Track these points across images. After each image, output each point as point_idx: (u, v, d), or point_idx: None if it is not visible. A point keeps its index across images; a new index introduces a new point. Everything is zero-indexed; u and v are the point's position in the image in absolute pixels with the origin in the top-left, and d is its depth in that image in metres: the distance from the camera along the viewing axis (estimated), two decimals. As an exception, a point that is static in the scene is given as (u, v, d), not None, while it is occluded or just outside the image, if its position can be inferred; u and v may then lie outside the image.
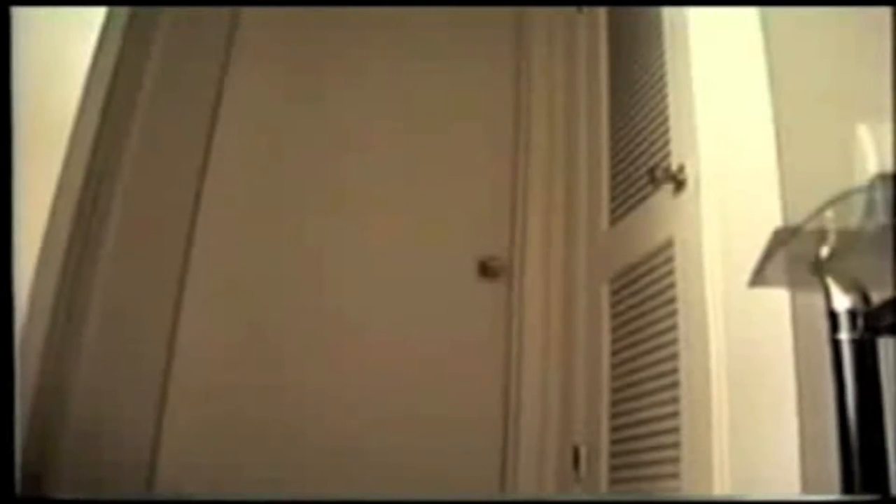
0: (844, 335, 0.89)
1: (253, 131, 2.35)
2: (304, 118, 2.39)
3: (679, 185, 1.55)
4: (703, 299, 1.37)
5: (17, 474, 1.10)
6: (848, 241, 0.92)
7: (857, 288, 0.90)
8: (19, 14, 1.27)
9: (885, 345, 0.92)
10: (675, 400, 1.47)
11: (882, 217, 0.91)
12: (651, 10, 1.81)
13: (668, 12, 1.71)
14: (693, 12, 1.55)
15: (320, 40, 2.47)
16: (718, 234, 1.37)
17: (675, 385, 1.48)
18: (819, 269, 0.94)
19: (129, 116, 2.10)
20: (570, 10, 2.44)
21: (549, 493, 2.07)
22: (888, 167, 1.29)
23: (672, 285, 1.54)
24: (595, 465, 1.82)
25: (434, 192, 2.37)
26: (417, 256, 2.29)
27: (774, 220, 1.31)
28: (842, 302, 0.90)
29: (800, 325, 1.27)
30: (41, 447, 1.68)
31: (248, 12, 2.44)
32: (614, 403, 1.77)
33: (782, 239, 0.97)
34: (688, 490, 1.38)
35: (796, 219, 1.06)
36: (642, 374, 1.64)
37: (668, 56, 1.68)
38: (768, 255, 0.98)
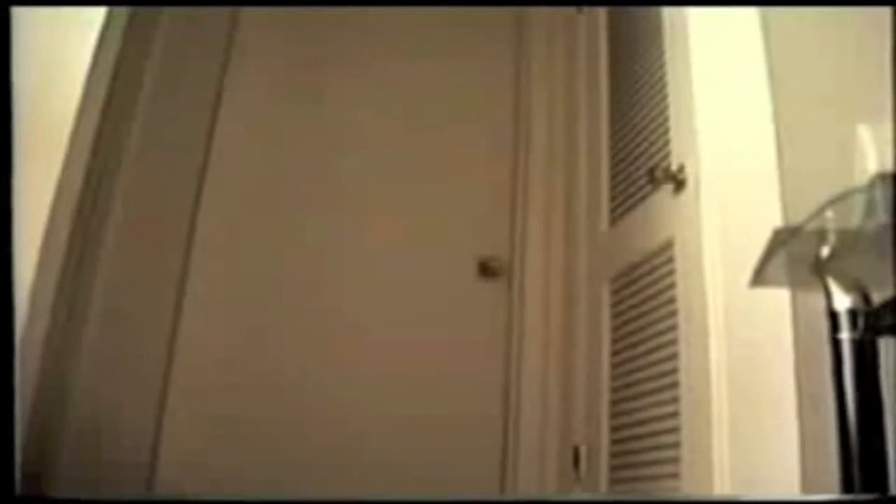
0: (845, 335, 0.89)
1: (253, 131, 2.35)
2: (304, 118, 2.39)
3: (679, 185, 1.55)
4: (703, 299, 1.37)
5: (17, 474, 1.10)
6: (848, 241, 0.92)
7: (857, 288, 0.90)
8: (19, 14, 1.27)
9: (885, 345, 0.92)
10: (675, 400, 1.47)
11: (882, 217, 0.91)
12: (651, 10, 1.81)
13: (668, 12, 1.71)
14: (693, 12, 1.55)
15: (320, 40, 2.47)
16: (718, 234, 1.36)
17: (675, 385, 1.48)
18: (819, 269, 0.94)
19: (129, 116, 2.11)
20: (570, 10, 2.44)
21: (549, 493, 2.07)
22: (888, 167, 1.29)
23: (672, 285, 1.54)
24: (595, 465, 1.82)
25: (434, 192, 2.37)
26: (417, 256, 2.30)
27: (774, 220, 1.31)
28: (842, 302, 0.90)
29: (800, 325, 1.27)
30: (41, 447, 1.68)
31: (248, 12, 2.44)
32: (614, 403, 1.77)
33: (782, 239, 0.97)
34: (688, 490, 1.38)
35: (796, 219, 1.07)
36: (642, 374, 1.64)
37: (668, 56, 1.68)
38: (768, 255, 0.98)
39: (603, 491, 1.75)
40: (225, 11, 2.41)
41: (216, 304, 2.17)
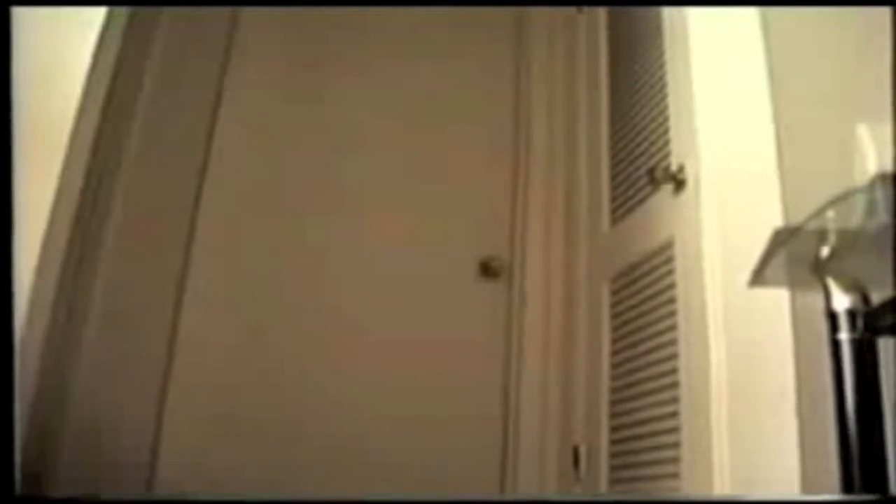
0: (844, 335, 0.89)
1: (253, 131, 2.35)
2: (304, 118, 2.39)
3: (679, 185, 1.55)
4: (702, 299, 1.37)
5: (17, 474, 1.10)
6: (848, 241, 0.92)
7: (856, 288, 0.90)
8: (19, 14, 1.27)
9: (884, 345, 0.92)
10: (675, 400, 1.47)
11: (882, 217, 0.91)
12: (651, 10, 1.81)
13: (668, 12, 1.71)
14: (693, 12, 1.55)
15: (320, 40, 2.47)
16: (718, 234, 1.37)
17: (674, 385, 1.48)
18: (819, 269, 0.94)
19: (129, 116, 2.11)
20: (570, 10, 2.44)
21: (549, 493, 2.07)
22: (888, 167, 1.29)
23: (672, 285, 1.54)
24: (595, 465, 1.82)
25: (434, 192, 2.37)
26: (417, 256, 2.29)
27: (774, 220, 1.31)
28: (842, 302, 0.90)
29: (800, 325, 1.27)
30: (41, 447, 1.68)
31: (248, 12, 2.44)
32: (614, 403, 1.77)
33: (782, 239, 0.97)
34: (688, 490, 1.38)
35: (796, 219, 1.07)
36: (642, 374, 1.64)
37: (668, 56, 1.68)
38: (768, 255, 0.98)
39: (603, 491, 1.75)
40: (225, 11, 2.41)
41: (216, 303, 2.17)
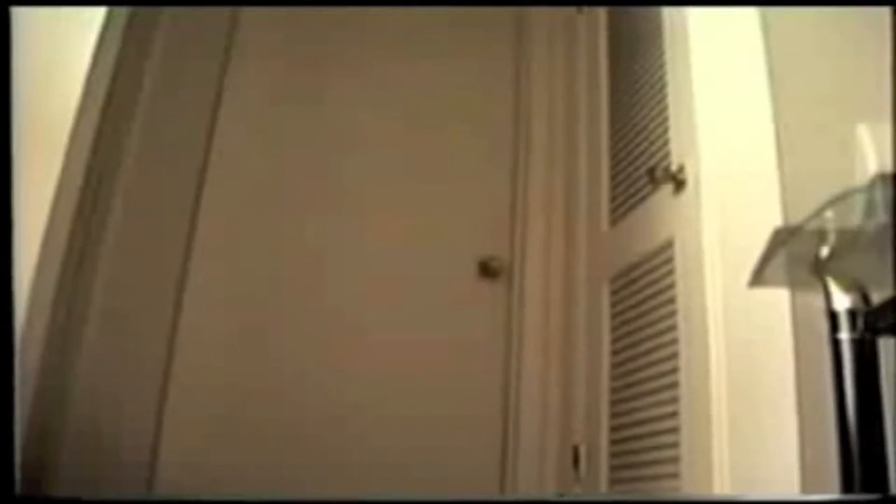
0: (844, 335, 0.89)
1: (253, 131, 2.35)
2: (304, 118, 2.39)
3: (679, 185, 1.55)
4: (702, 299, 1.37)
5: (17, 474, 1.10)
6: (848, 241, 0.92)
7: (856, 288, 0.90)
8: (19, 14, 1.27)
9: (885, 345, 0.92)
10: (675, 400, 1.47)
11: (882, 217, 0.91)
12: (651, 10, 1.81)
13: (668, 12, 1.71)
14: (693, 12, 1.55)
15: (320, 40, 2.47)
16: (718, 234, 1.37)
17: (674, 385, 1.48)
18: (819, 269, 0.94)
19: (129, 116, 2.10)
20: (570, 10, 2.44)
21: (549, 492, 2.07)
22: (888, 167, 1.29)
23: (672, 285, 1.54)
24: (595, 465, 1.82)
25: (434, 192, 2.37)
26: (417, 256, 2.29)
27: (774, 220, 1.31)
28: (842, 302, 0.90)
29: (800, 325, 1.27)
30: (41, 447, 1.68)
31: (248, 12, 2.44)
32: (614, 403, 1.77)
33: (782, 239, 0.97)
34: (688, 490, 1.38)
35: (796, 219, 1.07)
36: (642, 374, 1.64)
37: (668, 56, 1.68)
38: (768, 255, 0.98)
39: (603, 491, 1.75)
40: (225, 11, 2.41)
41: (216, 303, 2.17)
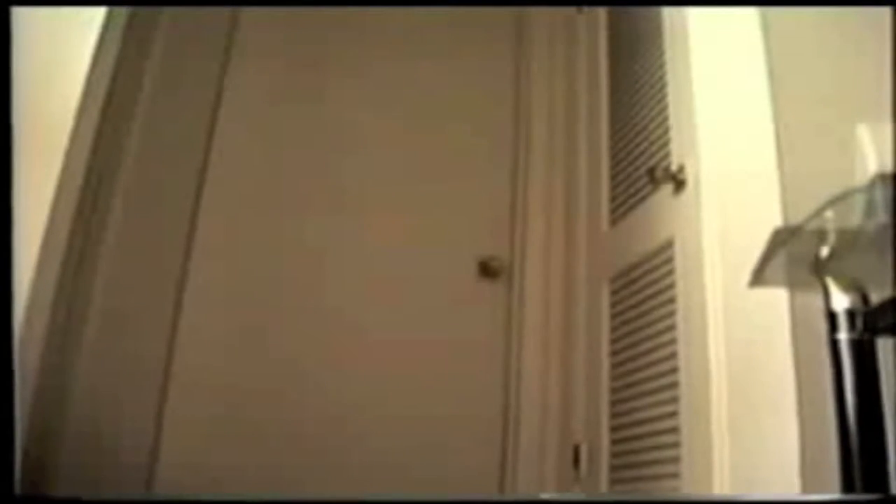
0: (844, 335, 0.89)
1: (253, 131, 2.35)
2: (304, 118, 2.39)
3: (679, 185, 1.55)
4: (702, 299, 1.37)
5: (17, 474, 1.10)
6: (848, 241, 0.92)
7: (856, 288, 0.90)
8: (19, 14, 1.28)
9: (884, 345, 0.92)
10: (675, 400, 1.47)
11: (882, 217, 0.91)
12: (651, 10, 1.81)
13: (668, 12, 1.71)
14: (693, 12, 1.55)
15: (320, 40, 2.47)
16: (718, 234, 1.37)
17: (674, 385, 1.48)
18: (818, 269, 0.94)
19: (129, 116, 2.10)
20: (570, 10, 2.44)
21: (549, 492, 2.07)
22: (888, 167, 1.29)
23: (672, 285, 1.54)
24: (595, 465, 1.82)
25: (434, 192, 2.37)
26: (417, 256, 2.29)
27: (774, 220, 1.31)
28: (841, 302, 0.90)
29: (799, 325, 1.27)
30: (41, 447, 1.68)
31: (248, 12, 2.44)
32: (614, 403, 1.77)
33: (782, 239, 0.97)
34: (688, 490, 1.38)
35: (796, 219, 1.07)
36: (642, 374, 1.64)
37: (668, 56, 1.68)
38: (768, 255, 0.98)
39: (603, 491, 1.75)
40: (225, 11, 2.41)
41: (216, 303, 2.17)
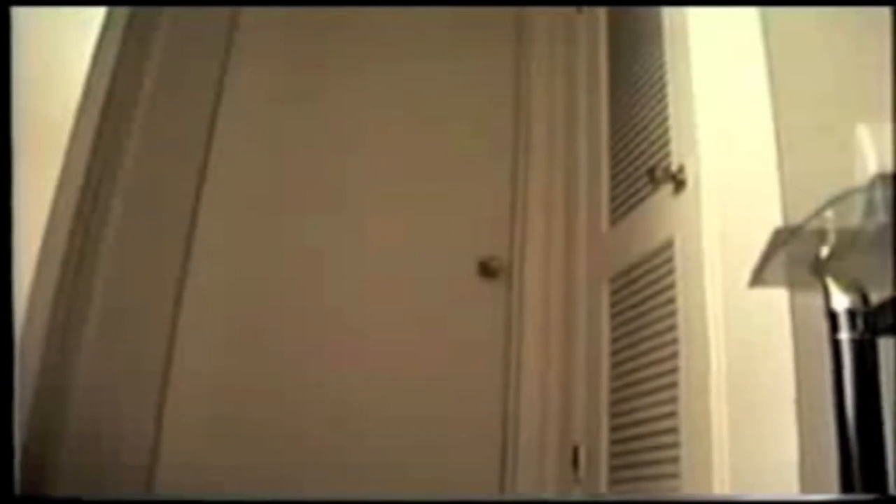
0: (844, 335, 0.89)
1: (253, 131, 2.35)
2: (304, 118, 2.39)
3: (679, 185, 1.55)
4: (702, 299, 1.37)
5: (17, 474, 1.10)
6: (848, 241, 0.92)
7: (856, 288, 0.90)
8: (19, 14, 1.28)
9: (884, 345, 0.92)
10: (675, 400, 1.47)
11: (882, 217, 0.91)
12: (651, 10, 1.81)
13: (668, 12, 1.71)
14: (693, 12, 1.55)
15: (320, 40, 2.47)
16: (718, 234, 1.37)
17: (674, 385, 1.48)
18: (819, 269, 0.94)
19: (129, 116, 2.11)
20: (570, 10, 2.44)
21: (549, 493, 2.07)
22: (888, 167, 1.29)
23: (672, 285, 1.54)
24: (595, 465, 1.82)
25: (434, 192, 2.37)
26: (417, 256, 2.29)
27: (774, 220, 1.31)
28: (841, 302, 0.90)
29: (799, 326, 1.27)
30: (41, 447, 1.68)
31: (248, 12, 2.44)
32: (614, 403, 1.77)
33: (782, 239, 0.97)
34: (688, 490, 1.38)
35: (796, 219, 1.07)
36: (642, 374, 1.64)
37: (668, 56, 1.68)
38: (768, 255, 0.98)
39: (603, 491, 1.75)
40: (225, 11, 2.41)
41: (216, 304, 2.17)
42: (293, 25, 2.44)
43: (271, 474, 1.99)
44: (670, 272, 1.56)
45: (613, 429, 1.76)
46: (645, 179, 1.70)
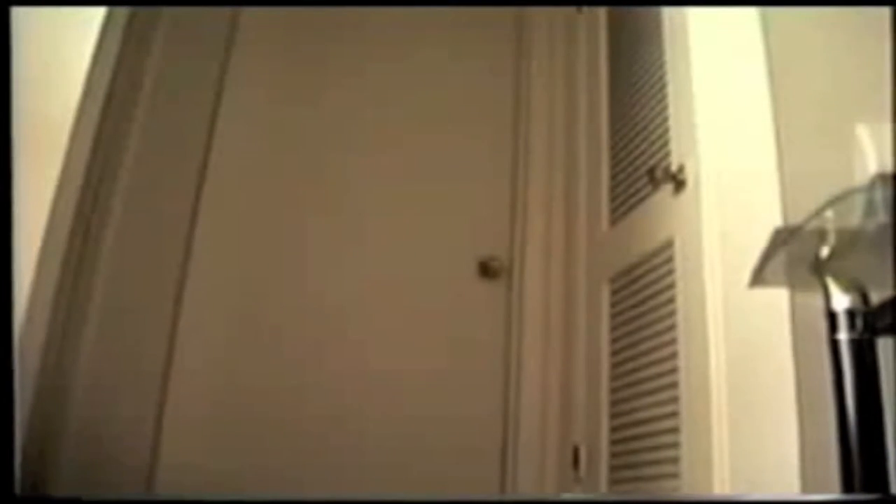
0: (844, 335, 0.89)
1: (253, 131, 2.34)
2: (304, 118, 2.39)
3: (679, 185, 1.55)
4: (702, 299, 1.37)
5: (17, 474, 1.10)
6: (848, 241, 0.92)
7: (856, 288, 0.90)
8: (19, 14, 1.28)
9: (884, 345, 0.92)
10: (675, 400, 1.47)
11: (882, 217, 0.91)
12: (651, 10, 1.81)
13: (668, 12, 1.71)
14: (693, 12, 1.55)
15: (320, 40, 2.47)
16: (718, 234, 1.37)
17: (674, 385, 1.48)
18: (819, 269, 0.94)
19: (129, 116, 2.10)
20: (570, 10, 2.44)
21: (549, 493, 2.07)
22: (888, 167, 1.29)
23: (672, 285, 1.54)
24: (595, 465, 1.82)
25: (434, 191, 2.37)
26: (417, 256, 2.29)
27: (774, 220, 1.31)
28: (841, 302, 0.90)
29: (799, 326, 1.27)
30: (41, 447, 1.68)
31: (248, 12, 2.44)
32: (614, 403, 1.77)
33: (782, 239, 0.97)
34: (688, 490, 1.38)
35: (796, 219, 1.07)
36: (642, 374, 1.64)
37: (668, 56, 1.68)
38: (768, 255, 0.98)
39: (603, 491, 1.75)
40: (225, 11, 2.41)
41: (216, 304, 2.17)
42: (293, 25, 2.44)
43: (271, 474, 1.99)
44: (670, 272, 1.56)
45: (613, 429, 1.76)
46: (645, 179, 1.70)
